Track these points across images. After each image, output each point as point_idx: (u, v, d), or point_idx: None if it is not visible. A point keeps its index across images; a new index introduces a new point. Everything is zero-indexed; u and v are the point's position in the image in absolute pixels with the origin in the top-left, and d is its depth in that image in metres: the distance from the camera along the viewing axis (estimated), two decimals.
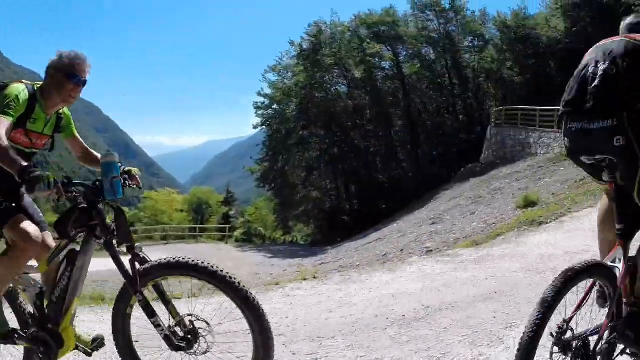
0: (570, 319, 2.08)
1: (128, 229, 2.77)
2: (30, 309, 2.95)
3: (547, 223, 7.84)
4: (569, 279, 2.10)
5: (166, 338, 2.61)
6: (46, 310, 2.77)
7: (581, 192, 10.81)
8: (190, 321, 2.66)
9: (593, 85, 2.19)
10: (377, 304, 4.61)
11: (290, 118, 45.32)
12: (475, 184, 24.24)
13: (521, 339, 1.95)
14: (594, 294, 2.26)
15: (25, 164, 2.41)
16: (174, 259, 2.65)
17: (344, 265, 10.15)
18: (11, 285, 2.87)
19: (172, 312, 2.63)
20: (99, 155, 3.12)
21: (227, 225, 45.37)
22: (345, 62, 45.71)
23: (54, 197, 2.55)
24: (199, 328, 2.66)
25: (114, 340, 2.81)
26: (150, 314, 2.60)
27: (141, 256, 2.68)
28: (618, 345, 2.35)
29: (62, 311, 2.73)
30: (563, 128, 2.41)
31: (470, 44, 49.31)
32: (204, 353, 2.67)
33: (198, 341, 2.67)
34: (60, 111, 3.08)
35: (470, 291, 4.76)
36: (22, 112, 2.70)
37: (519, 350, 1.95)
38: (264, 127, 47.17)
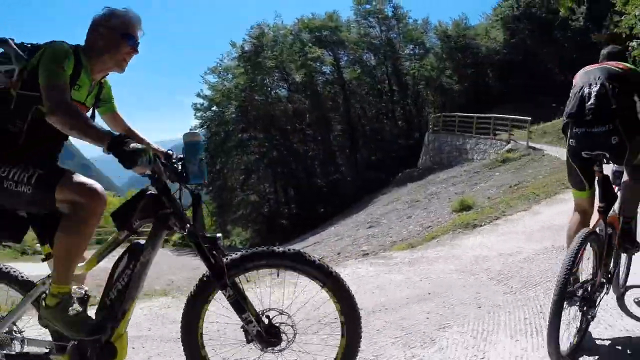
0: (574, 273, 2.86)
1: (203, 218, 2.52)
2: None
3: (481, 226, 7.93)
4: (581, 244, 2.84)
5: (258, 335, 2.44)
6: (94, 317, 2.37)
7: (515, 196, 11.06)
8: (269, 316, 2.54)
9: (590, 103, 3.12)
10: (309, 307, 4.50)
11: (230, 120, 45.42)
12: (413, 188, 24.48)
13: (555, 289, 2.73)
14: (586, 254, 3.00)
15: (116, 132, 2.19)
16: (262, 248, 2.57)
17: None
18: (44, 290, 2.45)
19: (250, 307, 2.45)
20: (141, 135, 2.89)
21: None
22: (287, 65, 46.02)
23: (147, 175, 2.31)
24: (281, 323, 2.56)
25: (183, 343, 2.61)
26: (240, 309, 2.40)
27: (220, 247, 2.42)
28: (606, 287, 3.29)
29: (118, 316, 2.37)
30: (569, 132, 3.31)
31: (411, 52, 50.46)
32: (287, 348, 2.57)
33: (283, 335, 2.55)
34: (102, 80, 2.63)
35: (404, 293, 4.77)
36: (69, 74, 2.28)
37: (554, 296, 2.71)
38: (202, 129, 46.44)
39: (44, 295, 2.35)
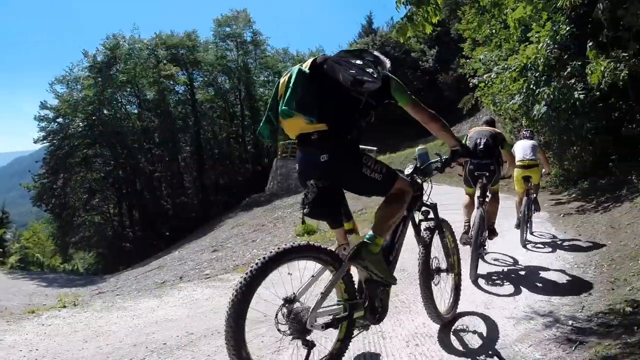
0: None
1: None
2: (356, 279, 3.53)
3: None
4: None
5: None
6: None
7: (358, 221, 11.20)
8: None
9: (479, 149, 6.44)
10: (138, 332, 4.19)
11: (75, 134, 45.51)
12: (259, 212, 26.51)
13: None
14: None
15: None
16: None
17: (120, 294, 9.44)
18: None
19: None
20: None
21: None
22: (139, 81, 48.23)
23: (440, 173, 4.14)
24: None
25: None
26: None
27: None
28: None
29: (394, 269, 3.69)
30: (469, 162, 6.42)
31: (266, 79, 50.64)
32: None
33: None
34: None
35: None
36: None
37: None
38: (45, 141, 45.30)
39: (364, 248, 3.24)
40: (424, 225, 4.11)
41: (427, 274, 4.07)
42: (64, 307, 5.95)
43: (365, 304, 3.37)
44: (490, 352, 3.75)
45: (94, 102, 44.86)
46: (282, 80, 3.28)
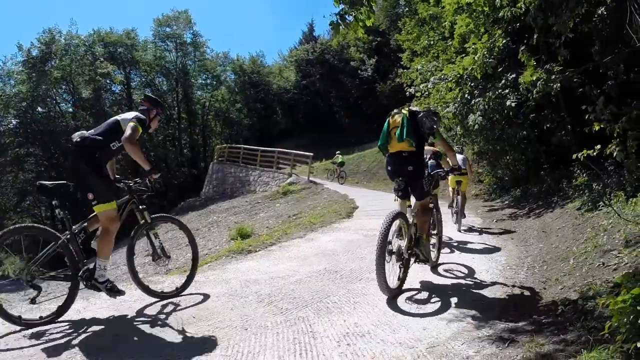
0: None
1: None
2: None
3: (256, 252, 8.41)
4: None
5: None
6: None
7: (292, 225, 11.59)
8: None
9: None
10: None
11: (7, 131, 43.22)
12: (194, 217, 26.30)
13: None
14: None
15: None
16: None
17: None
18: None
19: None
20: None
21: None
22: (75, 78, 46.02)
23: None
24: None
25: None
26: None
27: None
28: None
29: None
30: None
31: (204, 82, 50.48)
32: None
33: None
34: None
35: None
36: None
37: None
38: None
39: (420, 240, 5.65)
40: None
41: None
42: None
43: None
44: (423, 350, 3.71)
45: (27, 99, 42.76)
46: (392, 119, 5.79)
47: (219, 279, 6.55)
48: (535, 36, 10.30)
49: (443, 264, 6.89)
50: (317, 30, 63.06)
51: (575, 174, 10.96)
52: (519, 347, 3.66)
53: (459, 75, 13.80)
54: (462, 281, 5.91)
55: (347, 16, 5.43)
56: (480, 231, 9.51)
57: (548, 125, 13.17)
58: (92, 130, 4.94)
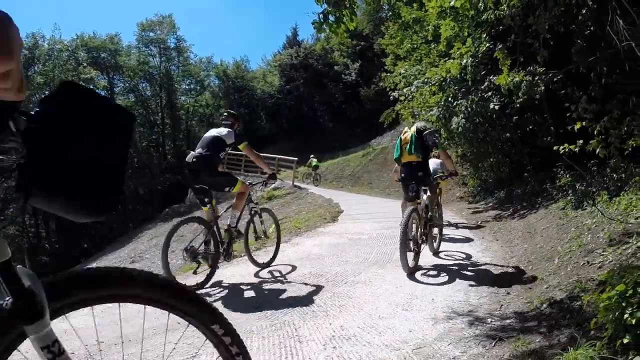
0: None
1: None
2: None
3: (240, 257, 9.00)
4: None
5: None
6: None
7: (285, 227, 11.53)
8: None
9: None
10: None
11: None
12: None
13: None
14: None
15: None
16: None
17: None
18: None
19: None
20: None
21: None
22: (57, 83, 39.11)
23: None
24: None
25: None
26: None
27: None
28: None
29: None
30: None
31: (188, 87, 49.25)
32: None
33: None
34: None
35: (152, 323, 4.65)
36: None
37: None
38: None
39: (433, 216, 7.39)
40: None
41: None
42: None
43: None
44: (409, 352, 3.71)
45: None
46: (403, 136, 7.17)
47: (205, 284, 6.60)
48: (512, 36, 10.40)
49: (428, 267, 6.83)
50: (301, 35, 63.51)
51: (559, 175, 11.05)
52: (505, 346, 3.67)
53: (442, 79, 13.93)
54: (448, 283, 5.88)
55: (330, 16, 5.47)
56: (472, 249, 9.23)
57: (531, 127, 13.32)
58: (200, 149, 6.57)
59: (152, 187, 47.81)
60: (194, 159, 6.42)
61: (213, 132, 6.88)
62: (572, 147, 7.45)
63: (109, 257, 24.52)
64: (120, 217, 44.88)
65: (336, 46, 49.06)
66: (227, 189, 6.76)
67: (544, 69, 10.64)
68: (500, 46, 10.77)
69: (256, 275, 7.03)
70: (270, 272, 7.22)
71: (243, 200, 6.94)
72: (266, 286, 6.25)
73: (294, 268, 7.35)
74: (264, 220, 7.62)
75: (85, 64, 45.95)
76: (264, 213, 7.75)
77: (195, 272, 6.38)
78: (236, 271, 7.48)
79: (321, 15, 5.56)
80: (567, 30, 10.15)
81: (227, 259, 6.97)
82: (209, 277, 6.35)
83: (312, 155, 29.04)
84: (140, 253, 18.74)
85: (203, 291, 6.10)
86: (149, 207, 44.18)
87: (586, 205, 8.21)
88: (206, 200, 6.62)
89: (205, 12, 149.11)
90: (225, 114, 7.38)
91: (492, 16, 10.95)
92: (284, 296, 5.66)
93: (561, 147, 7.52)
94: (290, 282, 6.41)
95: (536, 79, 10.52)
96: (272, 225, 8.05)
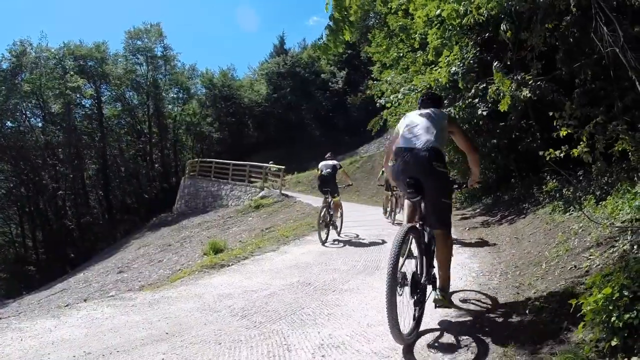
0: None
1: None
2: None
3: (228, 266, 8.65)
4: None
5: None
6: None
7: (265, 238, 11.59)
8: None
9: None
10: (32, 353, 4.08)
11: None
12: (166, 232, 26.51)
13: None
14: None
15: None
16: None
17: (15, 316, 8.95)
18: None
19: None
20: None
21: None
22: (44, 92, 45.03)
23: None
24: None
25: None
26: None
27: None
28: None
29: None
30: None
31: (175, 95, 51.01)
32: None
33: None
34: None
35: (140, 334, 4.73)
36: None
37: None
38: None
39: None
40: None
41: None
42: None
43: None
44: (399, 359, 3.72)
45: None
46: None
47: (192, 294, 6.52)
48: (509, 53, 10.46)
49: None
50: (288, 43, 63.49)
51: (545, 180, 11.10)
52: (494, 351, 3.68)
53: (428, 87, 13.94)
54: (436, 289, 5.85)
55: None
56: (460, 255, 9.44)
57: (517, 133, 13.39)
58: (327, 169, 10.52)
59: (139, 196, 48.19)
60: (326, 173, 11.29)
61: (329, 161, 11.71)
62: (557, 152, 7.49)
63: (97, 267, 23.60)
64: (107, 226, 44.70)
65: (319, 54, 47.94)
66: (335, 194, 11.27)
67: (530, 76, 10.71)
68: (496, 64, 10.82)
69: (244, 284, 6.98)
70: (258, 281, 7.15)
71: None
72: (254, 295, 6.19)
73: (282, 277, 7.29)
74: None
75: (72, 73, 44.30)
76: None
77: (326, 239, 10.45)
78: (224, 280, 7.40)
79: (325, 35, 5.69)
80: (554, 41, 10.26)
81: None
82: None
83: (271, 162, 29.10)
84: (128, 263, 18.64)
85: (194, 304, 5.85)
86: (137, 216, 43.96)
87: (573, 210, 8.27)
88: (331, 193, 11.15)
89: (190, 20, 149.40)
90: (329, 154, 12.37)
91: (471, 20, 10.89)
92: (272, 305, 5.61)
93: (546, 153, 7.56)
94: (278, 291, 6.35)
95: (521, 87, 10.59)
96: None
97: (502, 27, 9.49)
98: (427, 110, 4.75)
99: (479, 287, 5.80)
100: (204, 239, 17.86)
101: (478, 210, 14.20)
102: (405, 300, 3.95)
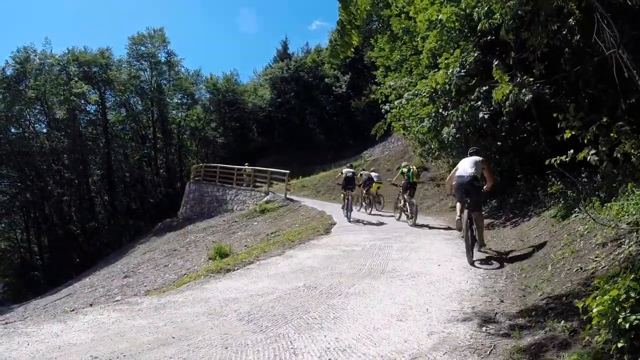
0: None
1: None
2: None
3: (234, 270, 8.57)
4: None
5: None
6: None
7: (271, 243, 11.68)
8: None
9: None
10: (39, 358, 4.10)
11: None
12: (171, 237, 26.04)
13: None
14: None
15: None
16: None
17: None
18: None
19: None
20: None
21: None
22: (49, 98, 45.18)
23: None
24: None
25: None
26: None
27: None
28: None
29: None
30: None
31: (179, 101, 51.11)
32: None
33: None
34: None
35: (147, 338, 4.76)
36: None
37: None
38: None
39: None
40: None
41: None
42: None
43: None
44: None
45: (1, 119, 41.87)
46: (405, 169, 14.38)
47: (198, 299, 6.52)
48: (512, 54, 10.45)
49: (424, 274, 6.94)
50: (292, 48, 63.45)
51: (550, 183, 11.07)
52: (500, 354, 3.70)
53: (432, 91, 13.92)
54: (442, 291, 5.88)
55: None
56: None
57: (521, 136, 13.35)
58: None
59: (144, 201, 48.12)
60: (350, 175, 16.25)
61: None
62: (562, 157, 7.45)
63: (102, 272, 23.51)
64: (112, 231, 44.68)
65: (326, 59, 48.15)
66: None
67: (532, 79, 10.70)
68: (496, 63, 10.79)
69: (250, 288, 6.99)
70: (264, 285, 7.16)
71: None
72: (260, 299, 6.19)
73: (287, 281, 7.30)
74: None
75: (76, 79, 44.22)
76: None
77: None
78: (230, 284, 7.42)
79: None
80: (557, 43, 10.24)
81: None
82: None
83: (246, 163, 29.02)
84: (134, 267, 18.63)
85: (200, 309, 5.90)
86: (142, 221, 43.90)
87: (578, 212, 8.26)
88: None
89: (193, 26, 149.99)
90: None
91: (486, 25, 10.90)
92: (278, 309, 5.61)
93: (553, 160, 7.52)
94: (284, 295, 6.35)
95: (524, 90, 10.57)
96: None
97: (503, 28, 9.50)
98: (472, 158, 8.86)
99: (484, 289, 5.79)
100: (210, 243, 17.95)
101: (484, 212, 13.97)
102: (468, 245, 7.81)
